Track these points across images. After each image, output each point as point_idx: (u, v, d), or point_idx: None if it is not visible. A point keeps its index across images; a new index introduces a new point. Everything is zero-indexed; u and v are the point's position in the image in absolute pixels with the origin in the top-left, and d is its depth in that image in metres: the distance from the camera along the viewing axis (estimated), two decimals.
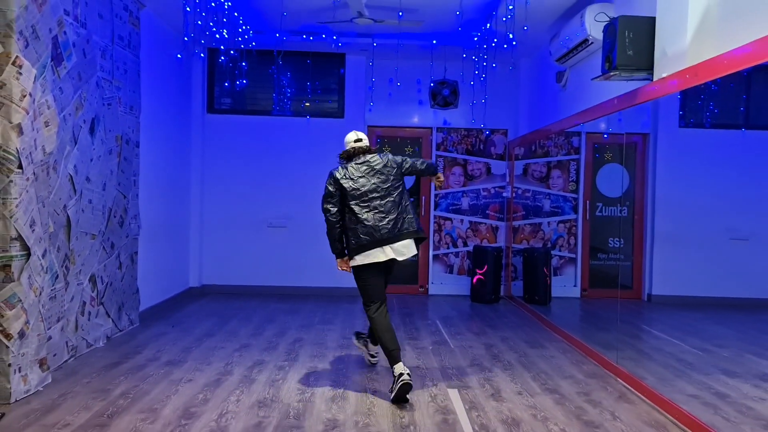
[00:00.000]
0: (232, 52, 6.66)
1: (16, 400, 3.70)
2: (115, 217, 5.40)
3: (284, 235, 7.96)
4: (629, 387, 4.26)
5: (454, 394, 4.06)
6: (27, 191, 3.82)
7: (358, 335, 4.85)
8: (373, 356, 4.74)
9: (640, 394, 4.09)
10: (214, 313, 6.60)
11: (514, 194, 8.10)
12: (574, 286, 8.01)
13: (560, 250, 8.03)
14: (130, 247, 5.74)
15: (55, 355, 4.34)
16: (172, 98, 7.08)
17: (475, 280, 7.86)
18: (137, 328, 5.75)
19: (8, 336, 3.68)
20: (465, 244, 8.31)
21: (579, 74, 6.20)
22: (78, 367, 4.44)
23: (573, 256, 8.03)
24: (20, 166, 3.74)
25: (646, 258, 7.64)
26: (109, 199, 5.28)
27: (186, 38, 6.16)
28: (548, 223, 8.17)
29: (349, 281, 7.31)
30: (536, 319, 6.76)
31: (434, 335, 5.84)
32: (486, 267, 7.78)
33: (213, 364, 4.67)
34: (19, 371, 3.77)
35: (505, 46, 6.28)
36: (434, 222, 8.28)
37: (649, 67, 4.09)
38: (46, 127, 4.05)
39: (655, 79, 4.09)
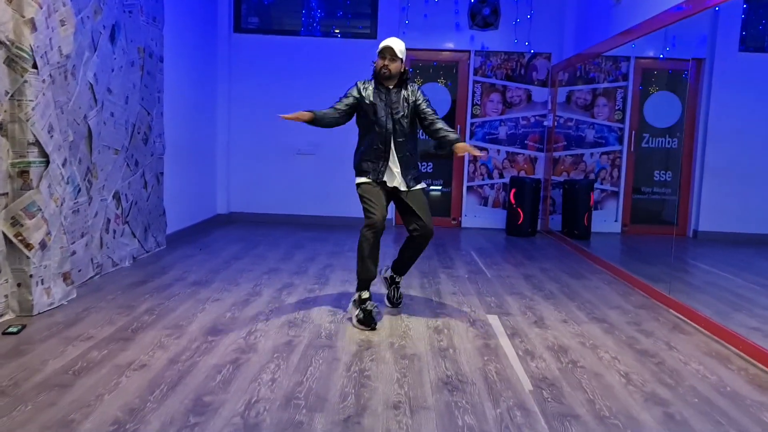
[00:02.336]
0: None
1: (39, 313, 3.57)
2: (138, 133, 5.16)
3: (312, 162, 7.67)
4: (683, 317, 3.98)
5: (494, 320, 3.83)
6: (44, 94, 3.57)
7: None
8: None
9: (696, 325, 3.81)
10: (241, 239, 6.42)
11: (555, 123, 7.66)
12: (615, 221, 7.65)
13: (602, 183, 7.64)
14: (155, 167, 5.52)
15: (80, 270, 4.19)
16: (198, 13, 6.72)
17: (511, 212, 7.53)
18: (164, 250, 5.60)
19: (29, 246, 3.51)
20: (501, 176, 7.95)
21: None
22: (103, 285, 4.30)
23: (615, 189, 7.63)
24: (35, 66, 3.48)
25: (693, 193, 7.22)
26: (132, 115, 5.03)
27: None
28: (591, 154, 7.74)
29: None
30: (576, 252, 6.45)
31: (469, 265, 5.59)
32: (523, 199, 7.43)
33: (241, 285, 4.49)
34: (42, 283, 3.62)
35: None
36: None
37: None
38: (62, 26, 3.76)
39: None
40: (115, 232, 4.79)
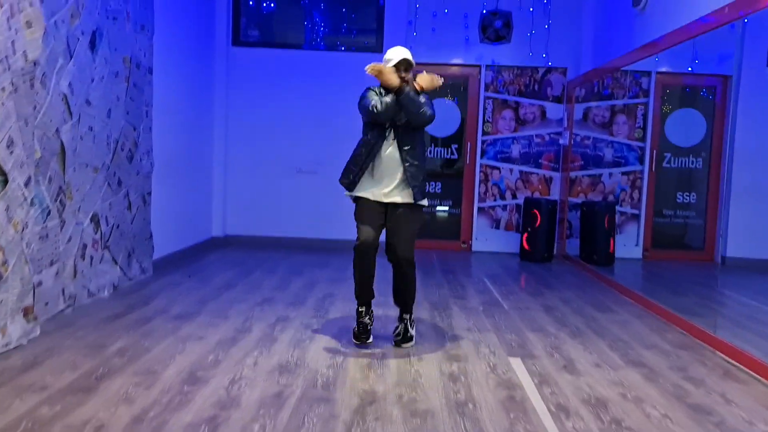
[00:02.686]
0: None
1: None
2: (123, 150, 4.72)
3: (315, 182, 7.22)
4: (733, 361, 3.47)
5: (517, 364, 3.33)
6: (2, 104, 3.14)
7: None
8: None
9: (751, 371, 3.30)
10: (236, 263, 5.96)
11: (572, 141, 7.20)
12: (636, 245, 7.16)
13: (621, 205, 7.16)
14: (141, 186, 5.07)
15: (47, 304, 3.72)
16: (192, 24, 6.32)
17: (525, 236, 7.05)
18: (150, 278, 5.14)
19: None
20: (514, 197, 7.48)
21: None
22: (74, 319, 3.82)
23: (636, 212, 7.15)
24: None
25: (721, 216, 6.73)
26: (116, 129, 4.59)
27: None
28: (609, 174, 7.28)
29: (382, 236, 6.61)
30: (597, 280, 5.95)
31: (483, 294, 5.10)
32: (539, 222, 6.95)
33: (230, 318, 4.01)
34: None
35: None
36: (480, 171, 7.45)
37: None
38: (29, 28, 3.34)
39: None
40: (92, 258, 4.33)
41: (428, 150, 7.54)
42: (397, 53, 3.52)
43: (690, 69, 6.60)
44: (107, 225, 4.52)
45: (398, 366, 3.25)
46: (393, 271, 3.60)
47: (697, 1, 4.53)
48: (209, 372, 3.02)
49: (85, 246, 4.21)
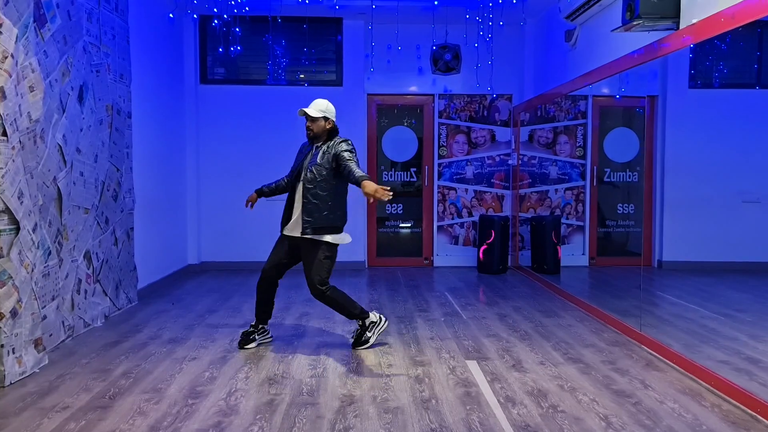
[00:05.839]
0: (225, 16, 6.34)
1: (11, 383, 3.48)
2: (108, 190, 5.13)
3: (282, 207, 7.65)
4: (655, 354, 4.08)
5: (473, 366, 3.87)
6: (13, 161, 3.56)
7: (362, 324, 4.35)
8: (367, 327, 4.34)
9: (668, 361, 3.91)
10: (214, 290, 6.37)
11: (519, 161, 7.86)
12: (582, 254, 7.82)
13: (567, 218, 7.82)
14: (125, 223, 5.48)
15: (51, 335, 4.11)
16: (164, 68, 6.76)
17: (481, 250, 7.65)
18: (136, 306, 5.53)
19: (0, 316, 3.44)
20: (470, 214, 8.09)
21: (590, 31, 5.94)
22: (76, 347, 4.22)
23: (581, 224, 7.82)
24: (4, 134, 3.47)
25: (656, 223, 7.45)
26: (102, 172, 5.01)
27: (175, 6, 5.83)
28: (555, 190, 7.95)
29: (350, 256, 7.12)
30: (547, 288, 6.57)
31: (444, 306, 5.64)
32: (492, 237, 7.56)
33: (217, 341, 4.45)
34: (13, 352, 3.54)
35: (514, 0, 5.98)
36: (438, 192, 8.04)
37: (675, 15, 3.84)
38: (31, 92, 3.77)
39: (681, 26, 3.83)
40: (86, 291, 4.72)
41: (389, 173, 8.10)
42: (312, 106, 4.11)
43: (618, 96, 7.32)
44: (98, 260, 4.92)
45: (371, 373, 3.75)
46: None
47: (621, 41, 5.19)
48: (207, 387, 3.47)
49: (80, 281, 4.60)
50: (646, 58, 4.26)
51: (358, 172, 3.77)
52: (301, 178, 4.05)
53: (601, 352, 4.18)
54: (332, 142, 4.06)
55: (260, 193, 4.49)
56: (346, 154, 3.92)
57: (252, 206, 4.57)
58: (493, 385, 3.51)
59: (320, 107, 4.08)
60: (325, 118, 4.09)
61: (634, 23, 3.94)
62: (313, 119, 4.07)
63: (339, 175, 3.99)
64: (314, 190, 3.99)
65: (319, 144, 4.12)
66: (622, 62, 4.92)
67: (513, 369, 3.81)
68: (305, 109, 4.06)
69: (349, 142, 4.08)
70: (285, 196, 4.33)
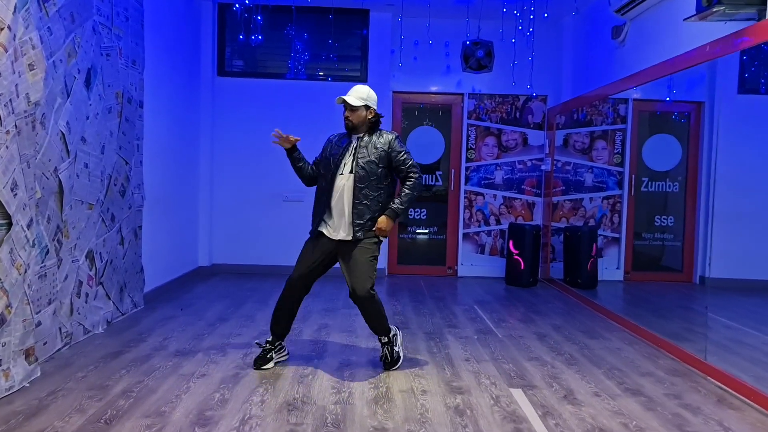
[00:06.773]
0: (246, 1, 5.92)
1: None
2: (115, 185, 4.72)
3: (300, 210, 7.25)
4: (725, 388, 3.59)
5: (519, 395, 3.40)
6: (7, 147, 3.14)
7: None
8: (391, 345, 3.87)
9: (743, 397, 3.42)
10: (226, 295, 5.94)
11: (553, 167, 7.38)
12: (617, 268, 7.33)
13: (603, 229, 7.34)
14: (133, 221, 5.06)
15: (45, 343, 3.69)
16: (180, 56, 6.35)
17: (510, 261, 7.17)
18: (141, 311, 5.10)
19: None
20: (498, 222, 7.61)
21: (642, 27, 5.46)
22: (73, 358, 3.79)
23: (617, 235, 7.33)
24: None
25: (699, 238, 6.95)
26: (109, 165, 4.60)
27: None
28: (590, 199, 7.46)
29: None
30: (584, 305, 6.08)
31: (475, 322, 5.17)
32: (523, 247, 7.08)
33: (229, 355, 4.01)
34: (0, 364, 3.12)
35: None
36: (464, 197, 7.57)
37: (762, 2, 3.36)
38: (31, 71, 3.35)
39: None
40: (87, 295, 4.30)
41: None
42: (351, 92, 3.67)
43: (668, 99, 6.84)
44: (101, 261, 4.50)
45: (404, 400, 3.29)
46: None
47: (677, 38, 4.74)
48: (218, 412, 3.03)
49: (80, 283, 4.18)
50: (725, 51, 3.77)
51: (395, 201, 3.66)
52: (346, 174, 3.61)
53: (662, 383, 3.70)
54: (380, 137, 3.64)
55: (293, 151, 3.87)
56: (402, 157, 3.64)
57: (278, 140, 3.77)
58: (546, 421, 3.04)
59: (361, 95, 3.63)
60: (366, 107, 3.64)
61: (714, 10, 3.46)
62: (353, 108, 3.61)
63: (389, 174, 3.67)
64: (365, 190, 3.58)
65: (360, 135, 3.67)
66: (675, 62, 4.46)
67: (565, 401, 3.34)
68: (344, 97, 3.61)
69: (400, 138, 3.69)
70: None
